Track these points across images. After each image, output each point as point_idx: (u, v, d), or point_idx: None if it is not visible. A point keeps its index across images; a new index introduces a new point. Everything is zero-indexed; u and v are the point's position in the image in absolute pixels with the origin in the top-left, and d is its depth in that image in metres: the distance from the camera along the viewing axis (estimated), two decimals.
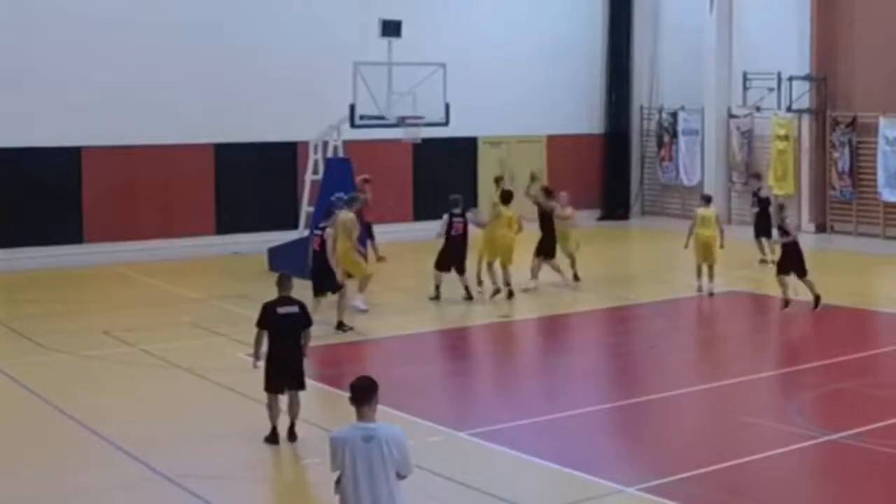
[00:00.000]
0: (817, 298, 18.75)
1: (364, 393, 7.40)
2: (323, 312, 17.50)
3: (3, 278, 22.95)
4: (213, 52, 26.30)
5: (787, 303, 18.74)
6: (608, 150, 32.62)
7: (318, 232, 17.84)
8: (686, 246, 20.67)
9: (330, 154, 22.81)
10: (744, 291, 21.14)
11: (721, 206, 30.65)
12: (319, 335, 16.52)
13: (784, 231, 19.04)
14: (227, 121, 26.37)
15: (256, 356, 12.25)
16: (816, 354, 16.90)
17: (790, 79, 27.84)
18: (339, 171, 22.37)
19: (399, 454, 7.30)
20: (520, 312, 19.35)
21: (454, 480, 10.90)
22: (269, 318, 12.16)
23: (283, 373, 12.13)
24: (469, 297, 19.66)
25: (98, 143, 25.40)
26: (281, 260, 21.16)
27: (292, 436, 12.13)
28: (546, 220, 20.90)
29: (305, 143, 23.96)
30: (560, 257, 21.15)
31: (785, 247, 18.90)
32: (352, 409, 7.45)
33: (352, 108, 21.32)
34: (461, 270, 19.74)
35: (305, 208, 23.16)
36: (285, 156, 27.09)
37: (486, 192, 30.31)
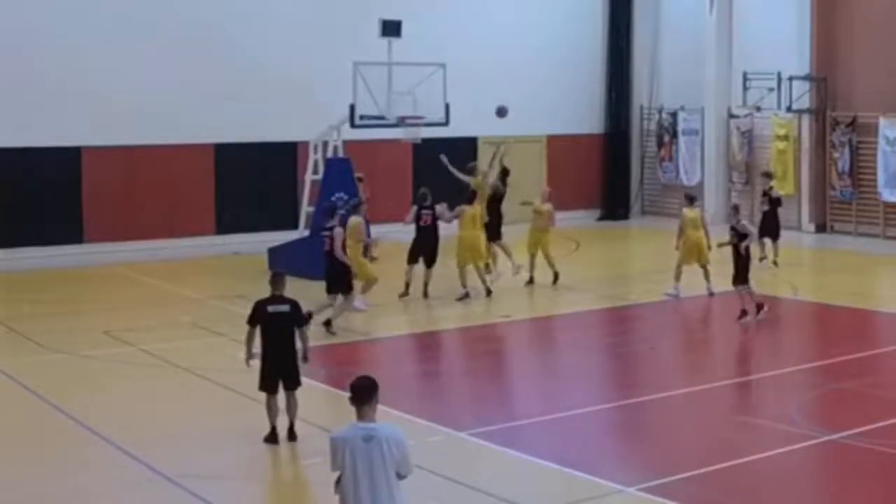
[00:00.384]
0: (759, 306, 18.05)
1: (364, 393, 7.40)
2: (321, 312, 17.53)
3: (3, 278, 22.96)
4: (212, 52, 26.31)
5: (760, 306, 18.05)
6: (608, 150, 32.61)
7: (327, 233, 17.92)
8: (677, 247, 20.17)
9: (330, 154, 22.81)
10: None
11: (721, 206, 30.67)
12: (320, 335, 16.55)
13: (739, 234, 18.09)
14: (227, 121, 26.37)
15: (248, 354, 12.26)
16: (816, 354, 16.90)
17: (790, 79, 27.84)
18: (339, 171, 22.37)
19: (399, 454, 7.30)
20: (520, 312, 19.34)
21: (454, 480, 10.90)
22: (259, 317, 12.17)
23: (276, 372, 12.14)
24: (425, 295, 19.69)
25: (98, 143, 25.41)
26: (281, 260, 21.15)
27: (292, 435, 12.13)
28: (493, 203, 20.70)
29: (305, 143, 23.96)
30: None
31: (736, 252, 18.17)
32: (352, 409, 7.45)
33: (352, 108, 21.32)
34: (428, 263, 19.76)
35: (305, 208, 23.16)
36: (285, 156, 27.10)
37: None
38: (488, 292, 19.87)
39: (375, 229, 24.18)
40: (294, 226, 24.01)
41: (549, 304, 20.24)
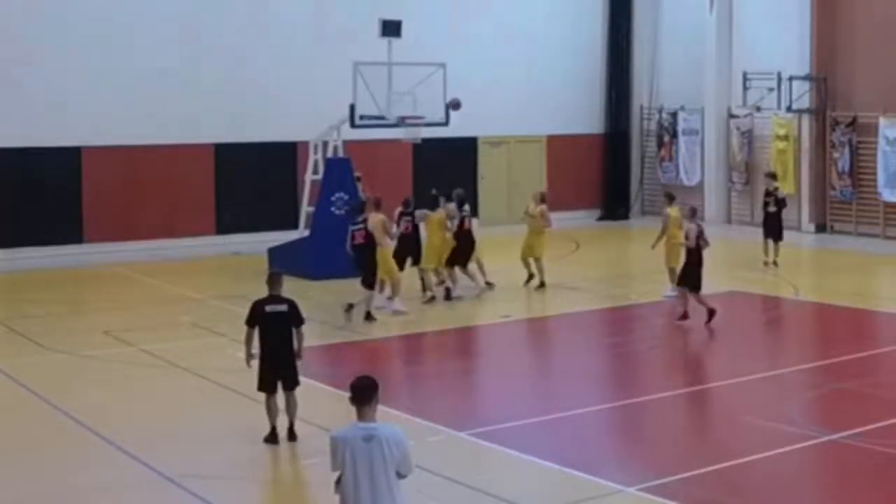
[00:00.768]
0: (711, 312, 17.69)
1: (364, 393, 7.39)
2: (322, 312, 17.53)
3: (4, 278, 22.97)
4: (213, 52, 26.33)
5: (712, 312, 17.66)
6: (608, 150, 32.62)
7: (356, 228, 18.22)
8: (654, 247, 19.90)
9: (330, 154, 22.81)
10: (744, 291, 21.11)
11: (721, 206, 30.71)
12: (320, 335, 16.56)
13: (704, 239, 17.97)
14: (227, 121, 26.39)
15: (248, 355, 12.27)
16: (816, 354, 16.90)
17: (790, 79, 27.84)
18: (339, 171, 22.38)
19: (399, 453, 7.29)
20: (520, 312, 19.35)
21: (454, 480, 10.90)
22: (257, 317, 12.18)
23: (274, 371, 12.15)
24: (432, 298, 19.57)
25: (98, 143, 25.42)
26: (281, 260, 21.17)
27: (292, 435, 12.14)
28: (460, 231, 20.12)
29: (305, 143, 23.96)
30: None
31: (688, 256, 17.93)
32: (352, 409, 7.44)
33: (352, 108, 21.33)
34: (402, 267, 19.44)
35: (305, 208, 23.16)
36: (285, 156, 27.10)
37: (487, 191, 30.42)
38: (432, 298, 19.58)
39: None
40: (294, 226, 24.01)
41: (550, 304, 20.24)
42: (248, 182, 27.14)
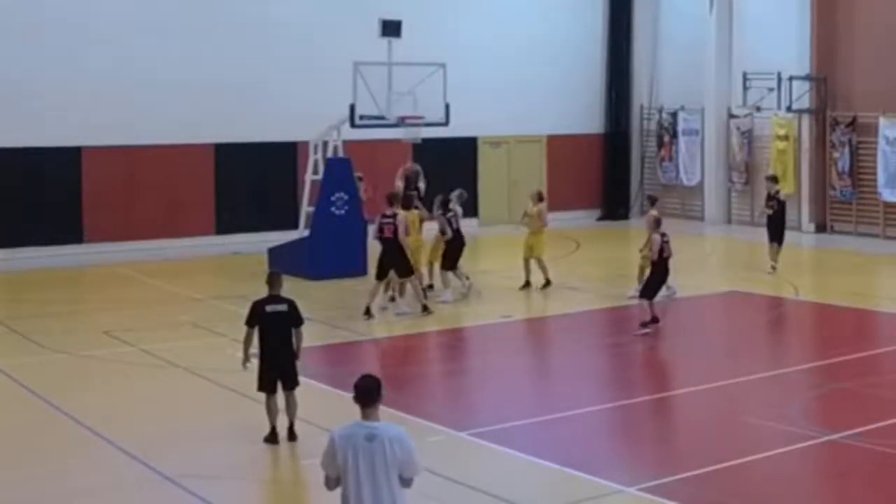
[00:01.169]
0: (655, 320, 17.29)
1: (368, 393, 7.34)
2: (322, 312, 17.51)
3: (3, 278, 22.97)
4: (212, 52, 26.33)
5: (655, 320, 17.25)
6: (608, 150, 32.62)
7: (386, 221, 18.50)
8: (643, 250, 19.48)
9: (330, 154, 22.81)
10: (744, 291, 21.12)
11: (721, 206, 30.72)
12: (320, 335, 16.56)
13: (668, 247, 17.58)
14: (227, 121, 26.39)
15: (246, 356, 12.27)
16: (816, 354, 16.90)
17: (790, 79, 27.84)
18: (339, 171, 22.38)
19: (402, 454, 7.23)
20: (520, 312, 19.34)
21: (454, 480, 10.90)
22: (257, 316, 12.18)
23: (274, 371, 12.15)
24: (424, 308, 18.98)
25: (98, 143, 25.42)
26: (281, 260, 21.17)
27: (292, 435, 12.14)
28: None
29: (305, 143, 23.95)
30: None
31: (654, 268, 17.64)
32: (352, 409, 7.42)
33: (352, 108, 21.31)
34: (383, 275, 18.88)
35: (305, 208, 23.15)
36: (285, 156, 27.10)
37: (487, 191, 30.43)
38: (392, 299, 19.39)
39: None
40: (294, 226, 24.01)
41: (550, 304, 20.24)
42: (248, 182, 27.15)
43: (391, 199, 19.15)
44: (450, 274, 20.00)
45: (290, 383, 12.22)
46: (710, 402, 14.19)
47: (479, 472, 11.33)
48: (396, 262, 18.52)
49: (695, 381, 15.17)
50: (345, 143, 23.02)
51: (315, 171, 23.11)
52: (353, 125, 21.57)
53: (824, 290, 21.03)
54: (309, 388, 13.01)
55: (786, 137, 28.84)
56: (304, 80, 26.82)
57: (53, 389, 14.35)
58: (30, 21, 24.79)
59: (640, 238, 21.21)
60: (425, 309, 18.66)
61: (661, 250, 17.32)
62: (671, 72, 32.02)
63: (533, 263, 20.80)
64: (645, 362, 16.52)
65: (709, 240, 28.83)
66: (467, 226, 21.66)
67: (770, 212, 22.68)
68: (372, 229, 19.37)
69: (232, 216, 26.97)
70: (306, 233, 22.61)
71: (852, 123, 27.60)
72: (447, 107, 21.95)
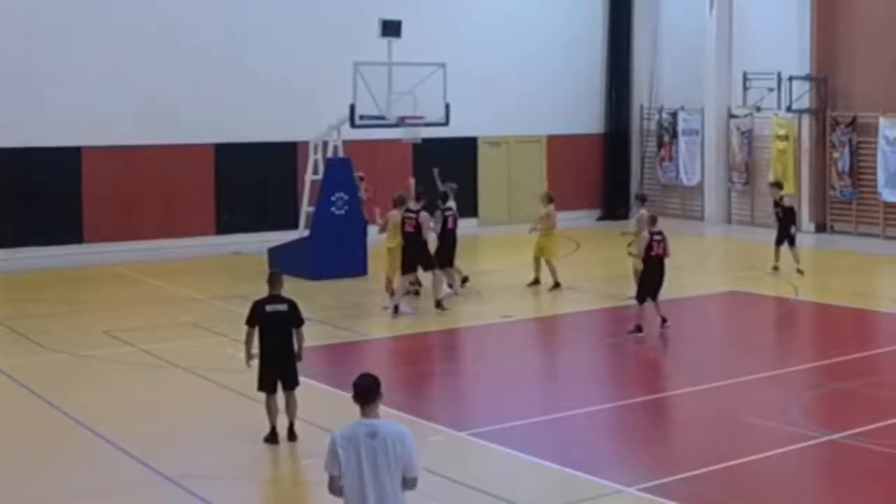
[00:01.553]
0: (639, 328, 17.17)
1: (368, 391, 7.35)
2: (322, 312, 17.49)
3: (3, 278, 22.97)
4: (212, 52, 26.34)
5: (639, 329, 17.06)
6: (608, 150, 32.63)
7: (410, 216, 18.78)
8: (632, 252, 19.42)
9: (330, 154, 22.81)
10: (744, 291, 21.12)
11: (721, 206, 30.71)
12: (320, 335, 16.56)
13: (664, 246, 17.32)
14: (227, 121, 26.41)
15: (248, 355, 12.27)
16: (816, 354, 16.91)
17: (790, 79, 27.84)
18: (339, 171, 22.38)
19: (403, 451, 7.24)
20: (520, 312, 19.34)
21: (454, 480, 10.90)
22: (258, 316, 12.18)
23: (274, 371, 12.16)
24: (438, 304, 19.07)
25: (98, 143, 25.42)
26: (281, 260, 21.17)
27: (292, 435, 12.14)
28: (444, 230, 19.94)
29: (305, 143, 23.96)
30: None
31: (649, 264, 17.26)
32: (353, 409, 7.42)
33: (352, 108, 21.31)
34: (409, 270, 19.11)
35: (305, 208, 23.16)
36: (285, 156, 27.11)
37: (487, 191, 30.43)
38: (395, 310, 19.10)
39: (375, 229, 24.23)
40: (294, 226, 24.01)
41: (550, 304, 20.25)
42: (248, 182, 27.14)
43: (399, 200, 19.26)
44: (451, 271, 20.02)
45: (291, 383, 12.22)
46: (710, 402, 14.19)
47: (479, 472, 11.33)
48: (421, 256, 18.83)
49: (695, 381, 15.17)
50: (345, 143, 23.02)
51: (315, 171, 23.11)
52: (353, 125, 21.56)
53: (824, 290, 21.02)
54: (309, 388, 13.01)
55: (786, 137, 28.84)
56: (304, 80, 26.82)
57: (53, 389, 14.35)
58: (30, 21, 24.79)
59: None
60: (438, 305, 18.78)
61: (650, 248, 17.14)
62: (671, 72, 32.02)
63: (542, 263, 20.84)
64: (645, 362, 16.52)
65: (709, 240, 28.83)
66: (467, 226, 21.67)
67: (778, 216, 22.59)
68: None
69: (232, 216, 26.97)
70: (306, 233, 22.61)
71: (852, 123, 27.59)
72: (447, 107, 21.95)
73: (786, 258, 22.34)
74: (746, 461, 11.44)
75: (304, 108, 25.80)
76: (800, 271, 21.99)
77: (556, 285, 20.73)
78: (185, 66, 26.04)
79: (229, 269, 23.88)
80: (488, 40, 29.71)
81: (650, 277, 17.27)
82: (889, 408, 13.33)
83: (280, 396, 12.21)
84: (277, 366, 12.15)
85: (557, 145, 31.58)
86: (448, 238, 19.95)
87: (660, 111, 32.24)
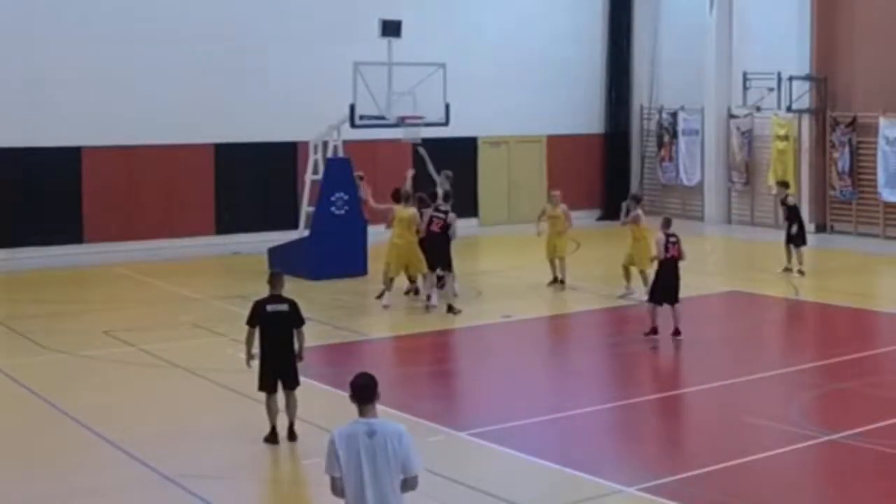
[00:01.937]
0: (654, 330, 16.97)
1: (365, 391, 7.37)
2: (322, 312, 17.47)
3: (3, 278, 22.96)
4: (212, 53, 26.33)
5: (654, 331, 16.91)
6: (608, 150, 32.63)
7: (438, 215, 18.99)
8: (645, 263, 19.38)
9: (330, 154, 22.81)
10: (744, 291, 21.12)
11: (721, 206, 30.71)
12: (320, 335, 16.56)
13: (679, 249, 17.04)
14: (227, 121, 26.40)
15: (248, 355, 12.28)
16: (816, 354, 16.90)
17: (790, 79, 27.84)
18: (339, 171, 22.38)
19: (402, 449, 7.25)
20: (520, 312, 19.33)
21: (454, 480, 10.90)
22: (258, 316, 12.18)
23: (275, 371, 12.16)
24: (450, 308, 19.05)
25: (98, 143, 25.42)
26: (281, 260, 21.16)
27: (292, 435, 12.14)
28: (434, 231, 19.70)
29: (305, 143, 23.96)
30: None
31: (663, 266, 17.04)
32: (353, 410, 7.42)
33: (352, 108, 21.31)
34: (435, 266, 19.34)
35: (305, 208, 23.16)
36: (285, 156, 27.10)
37: (487, 191, 30.41)
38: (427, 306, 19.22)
39: (376, 229, 24.22)
40: (294, 226, 24.01)
41: (550, 304, 20.26)
42: (248, 182, 27.14)
43: (404, 197, 19.41)
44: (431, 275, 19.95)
45: (291, 383, 12.22)
46: (710, 402, 14.20)
47: (480, 472, 11.33)
48: (445, 256, 19.00)
49: (695, 381, 15.18)
50: (345, 143, 23.02)
51: (315, 171, 23.11)
52: (353, 125, 21.56)
53: (824, 290, 21.00)
54: (309, 388, 13.01)
55: (786, 137, 28.83)
56: (304, 80, 26.82)
57: (53, 389, 14.35)
58: (31, 21, 24.78)
59: None
60: (451, 309, 18.74)
61: (664, 249, 17.08)
62: (671, 72, 32.01)
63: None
64: (645, 362, 16.51)
65: (709, 240, 28.82)
66: (467, 226, 21.67)
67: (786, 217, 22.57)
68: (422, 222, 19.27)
69: (232, 216, 26.96)
70: (306, 233, 22.61)
71: (852, 123, 27.59)
72: (447, 107, 21.95)
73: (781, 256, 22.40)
74: (746, 461, 11.44)
75: (304, 108, 25.79)
76: (801, 272, 21.99)
77: (561, 282, 20.99)
78: (185, 66, 26.03)
79: (229, 269, 23.88)
80: (488, 40, 29.71)
81: (663, 279, 17.10)
82: (889, 408, 13.33)
83: (280, 396, 12.21)
84: (278, 366, 12.16)
85: (557, 145, 31.57)
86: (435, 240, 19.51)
87: (660, 111, 32.23)
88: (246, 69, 26.63)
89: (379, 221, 21.03)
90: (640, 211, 20.16)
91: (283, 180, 27.06)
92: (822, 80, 28.18)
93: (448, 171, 21.06)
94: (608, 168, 32.55)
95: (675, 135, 31.79)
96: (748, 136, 30.02)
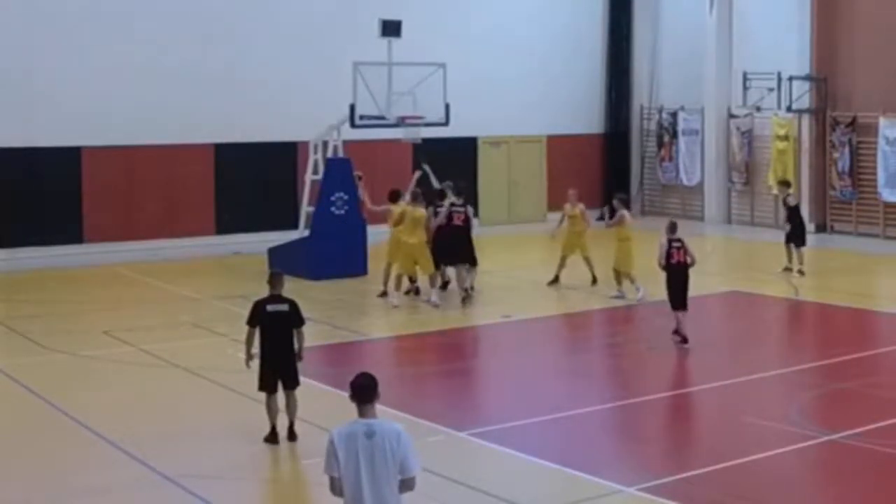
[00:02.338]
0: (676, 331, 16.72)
1: (365, 391, 7.37)
2: (322, 312, 17.47)
3: (3, 278, 22.96)
4: (212, 52, 26.33)
5: (679, 335, 16.62)
6: (608, 150, 32.62)
7: (457, 209, 19.43)
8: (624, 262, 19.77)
9: (330, 154, 22.82)
10: (744, 291, 21.12)
11: (721, 206, 30.71)
12: (320, 335, 16.57)
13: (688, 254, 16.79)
14: (227, 121, 26.39)
15: (248, 355, 12.28)
16: (816, 354, 16.90)
17: (790, 79, 27.84)
18: (339, 171, 22.38)
19: (399, 448, 7.25)
20: (520, 312, 19.34)
21: (454, 480, 10.90)
22: (259, 316, 12.18)
23: (275, 371, 12.16)
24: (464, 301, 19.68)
25: (98, 143, 25.42)
26: (281, 260, 21.16)
27: (292, 435, 12.14)
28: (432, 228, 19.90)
29: (305, 143, 23.96)
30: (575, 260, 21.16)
31: (670, 272, 16.77)
32: (352, 410, 7.42)
33: (352, 108, 21.32)
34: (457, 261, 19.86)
35: (305, 208, 23.16)
36: (285, 156, 27.10)
37: (487, 191, 30.42)
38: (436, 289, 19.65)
39: (376, 229, 24.22)
40: (294, 226, 24.01)
41: (550, 304, 20.25)
42: (248, 182, 27.13)
43: (413, 196, 19.69)
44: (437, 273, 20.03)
45: (291, 383, 12.23)
46: (710, 402, 14.20)
47: (479, 472, 11.34)
48: (469, 249, 19.49)
49: (695, 381, 15.18)
50: (345, 143, 23.02)
51: (315, 171, 23.12)
52: (353, 125, 21.57)
53: (824, 290, 21.01)
54: (309, 388, 13.01)
55: (786, 137, 28.83)
56: (304, 80, 26.83)
57: (53, 389, 14.35)
58: (30, 20, 24.78)
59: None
60: (466, 296, 19.47)
61: (669, 255, 16.78)
62: (671, 72, 32.02)
63: (571, 260, 21.28)
64: (645, 362, 16.50)
65: (709, 240, 28.79)
66: None
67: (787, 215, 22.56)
68: (440, 216, 19.69)
69: (232, 216, 26.96)
70: (306, 233, 22.62)
71: (852, 123, 27.59)
72: (447, 107, 21.96)
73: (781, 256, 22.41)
74: (746, 461, 11.44)
75: (304, 108, 25.79)
76: (801, 272, 22.00)
77: (555, 280, 21.11)
78: (185, 66, 26.02)
79: (229, 269, 23.87)
80: (488, 40, 29.70)
81: (673, 286, 16.79)
82: (889, 408, 13.33)
83: (280, 396, 12.21)
84: (278, 365, 12.16)
85: (557, 145, 31.57)
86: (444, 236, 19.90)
87: (660, 111, 32.23)
88: (246, 69, 26.62)
89: (378, 221, 21.04)
90: (625, 212, 20.28)
91: (283, 180, 27.06)
92: (822, 80, 28.18)
93: (449, 181, 21.01)
94: (608, 168, 32.54)
95: (675, 135, 31.79)
96: (748, 136, 30.02)
